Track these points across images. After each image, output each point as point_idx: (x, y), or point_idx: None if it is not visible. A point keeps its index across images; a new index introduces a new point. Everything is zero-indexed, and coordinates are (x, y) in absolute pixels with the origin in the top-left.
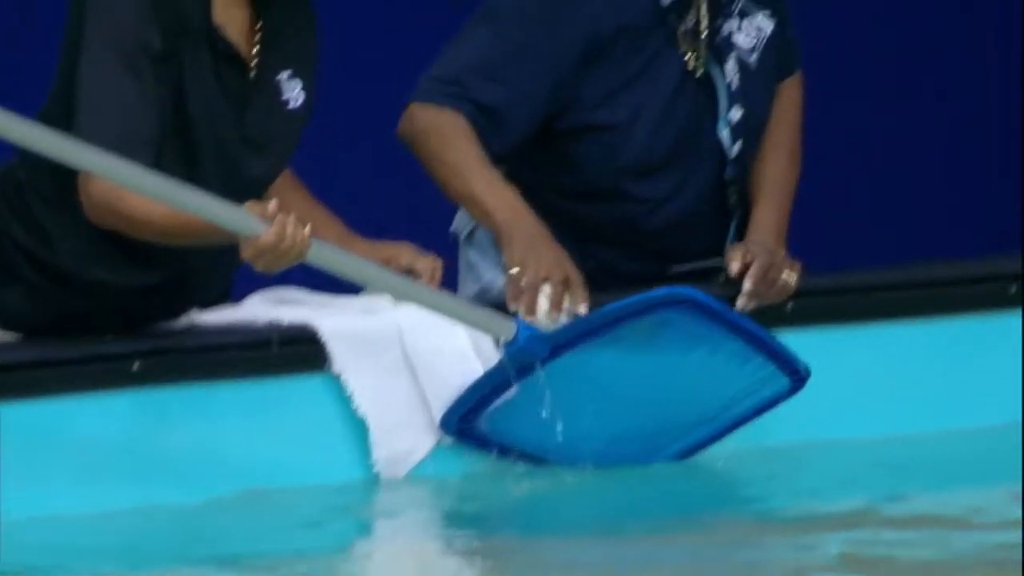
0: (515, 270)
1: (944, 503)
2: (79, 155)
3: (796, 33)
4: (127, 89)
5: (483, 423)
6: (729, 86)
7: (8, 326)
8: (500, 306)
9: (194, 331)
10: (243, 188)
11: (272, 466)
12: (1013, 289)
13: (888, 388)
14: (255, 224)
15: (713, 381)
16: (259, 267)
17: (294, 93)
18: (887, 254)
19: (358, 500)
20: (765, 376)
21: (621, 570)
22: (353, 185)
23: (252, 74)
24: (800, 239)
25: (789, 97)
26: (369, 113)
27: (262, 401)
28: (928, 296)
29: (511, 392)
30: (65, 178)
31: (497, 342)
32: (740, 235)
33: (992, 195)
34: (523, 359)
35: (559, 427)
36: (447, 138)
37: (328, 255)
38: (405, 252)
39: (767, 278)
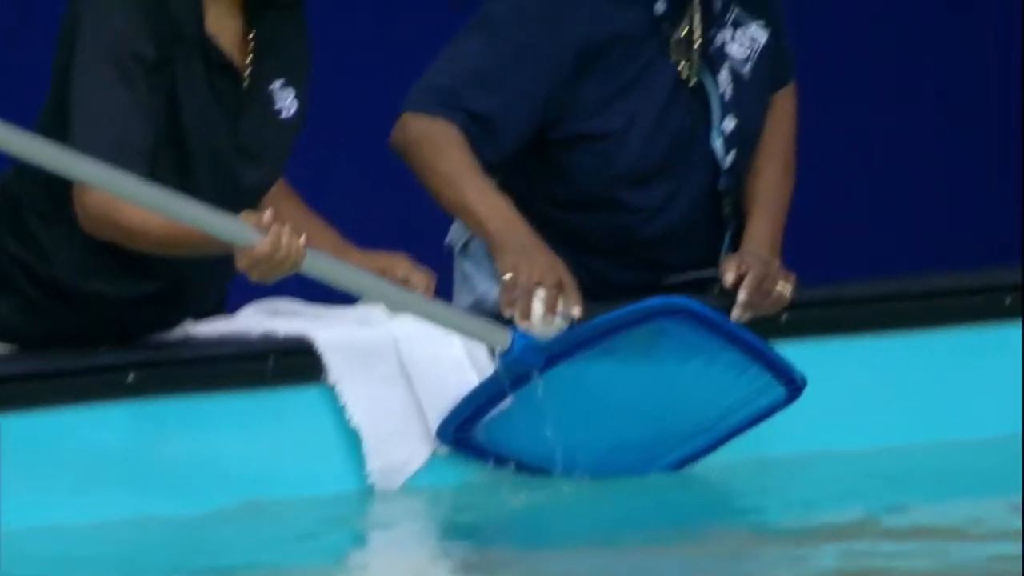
0: (508, 276)
1: (942, 514)
2: (74, 166)
3: (792, 42)
4: (121, 99)
5: (479, 433)
6: (722, 96)
7: (3, 338)
8: (495, 317)
9: (189, 342)
10: (237, 197)
11: (268, 477)
12: (1009, 300)
13: (883, 400)
14: (250, 234)
15: (709, 391)
16: (254, 277)
17: (287, 102)
18: (883, 266)
19: (354, 511)
20: (761, 386)
21: None
22: (346, 194)
23: (245, 83)
24: (795, 250)
25: (783, 108)
26: (362, 122)
27: (258, 412)
28: (924, 307)
29: (507, 402)
30: (59, 191)
31: (492, 352)
32: (735, 246)
33: (990, 206)
34: (519, 369)
35: (555, 437)
36: (440, 147)
37: (323, 265)
38: (400, 263)
39: (762, 289)
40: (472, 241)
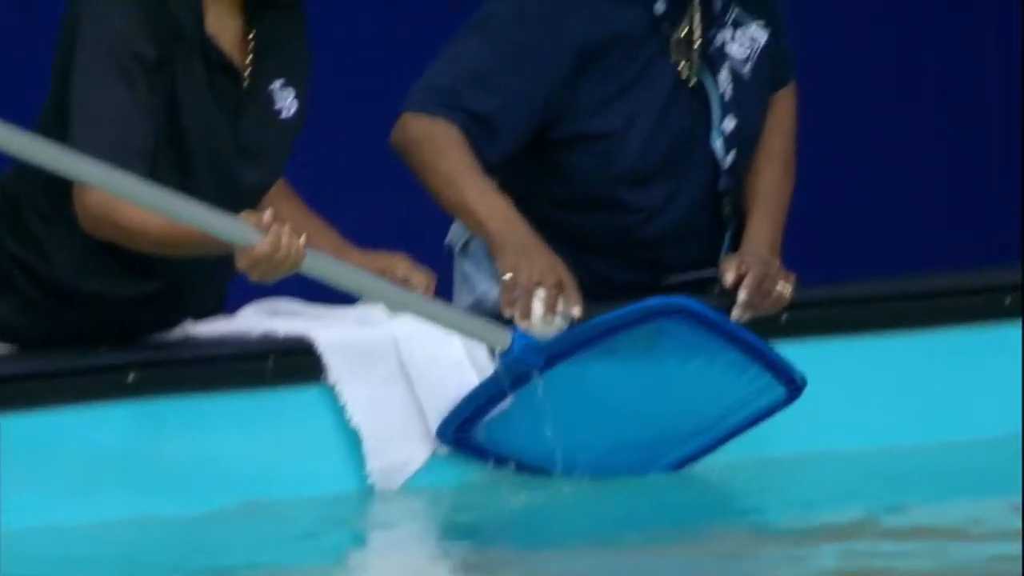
0: (508, 276)
1: (942, 514)
2: (74, 166)
3: (792, 42)
4: (121, 99)
5: (479, 433)
6: (722, 96)
7: (3, 338)
8: (495, 317)
9: (189, 342)
10: (237, 197)
11: (268, 477)
12: (1008, 300)
13: (883, 400)
14: (250, 234)
15: (709, 391)
16: (254, 277)
17: (287, 102)
18: (883, 266)
19: (354, 511)
20: (761, 386)
21: None
22: (346, 194)
23: (245, 83)
24: (795, 250)
25: (783, 108)
26: (362, 122)
27: (258, 412)
28: (924, 307)
29: (507, 402)
30: (59, 191)
31: (492, 352)
32: (735, 247)
33: (990, 206)
34: (519, 369)
35: (555, 437)
36: (440, 148)
37: (323, 265)
38: (400, 263)
39: (762, 289)
40: (472, 241)
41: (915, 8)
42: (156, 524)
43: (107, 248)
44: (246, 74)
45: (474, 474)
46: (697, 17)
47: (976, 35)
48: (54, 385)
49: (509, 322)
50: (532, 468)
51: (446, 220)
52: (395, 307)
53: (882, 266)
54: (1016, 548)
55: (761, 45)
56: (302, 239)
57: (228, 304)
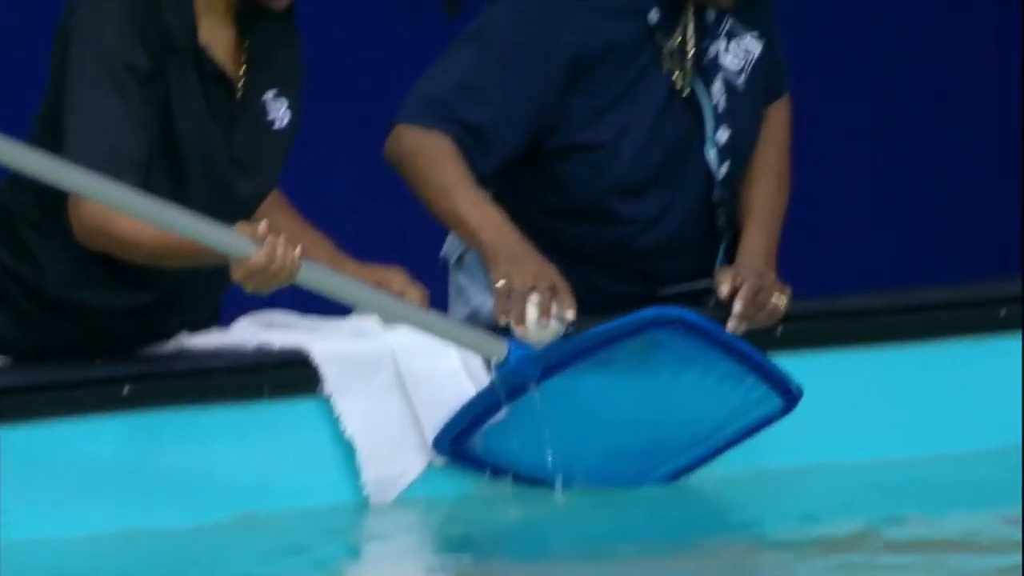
0: (501, 283)
1: (940, 527)
2: (68, 177)
3: (789, 50)
4: (115, 110)
5: (476, 444)
6: (716, 107)
7: None
8: (490, 330)
9: (184, 355)
10: (231, 208)
11: (263, 490)
12: (1004, 312)
13: (879, 412)
14: (245, 245)
15: (705, 401)
16: (249, 288)
17: (280, 113)
18: (880, 278)
19: (349, 523)
20: (758, 396)
21: None
22: (341, 206)
23: (239, 94)
24: (790, 263)
25: (777, 120)
26: (356, 133)
27: (253, 425)
28: (919, 320)
29: (503, 413)
30: (52, 202)
31: (488, 363)
32: (729, 259)
33: (990, 216)
34: (514, 380)
35: (551, 448)
36: (433, 159)
37: (318, 276)
38: (396, 277)
39: (757, 301)
40: (467, 254)
41: (914, 11)
42: (151, 537)
43: (101, 259)
44: (239, 85)
45: (469, 486)
46: (690, 27)
47: (975, 38)
48: (49, 398)
49: (505, 333)
50: (528, 479)
51: (441, 232)
52: (391, 318)
53: (879, 279)
54: (1015, 560)
55: (755, 57)
56: (297, 250)
57: (223, 316)
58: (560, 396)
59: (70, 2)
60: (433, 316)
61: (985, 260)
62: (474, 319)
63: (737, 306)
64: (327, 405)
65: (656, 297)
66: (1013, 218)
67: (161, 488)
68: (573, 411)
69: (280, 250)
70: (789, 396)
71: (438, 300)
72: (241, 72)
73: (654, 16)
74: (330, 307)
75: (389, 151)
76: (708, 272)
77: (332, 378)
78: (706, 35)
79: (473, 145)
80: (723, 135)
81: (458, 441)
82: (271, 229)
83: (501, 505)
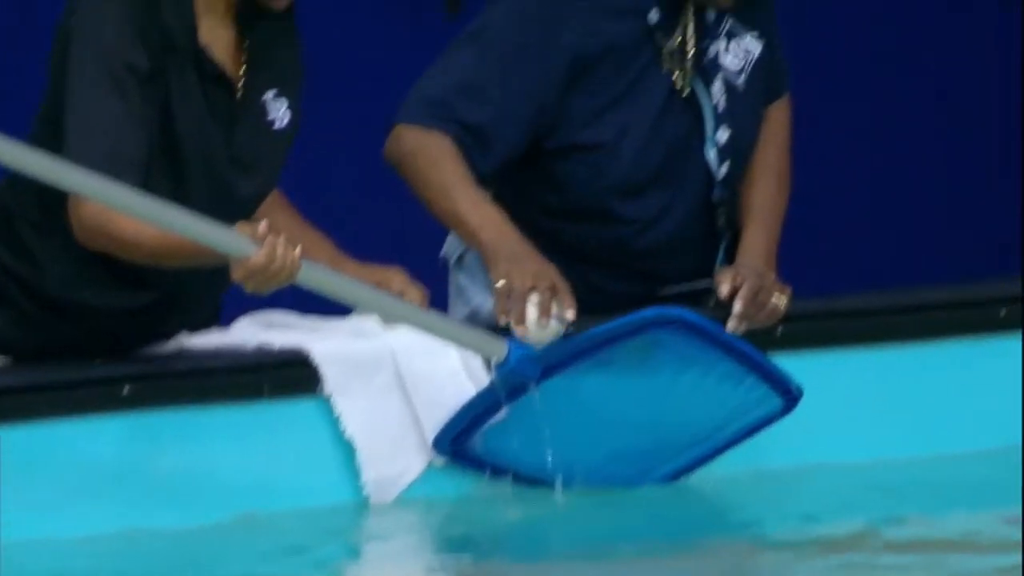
0: (501, 283)
1: (940, 527)
2: (69, 177)
3: (789, 51)
4: (115, 110)
5: (476, 444)
6: (716, 107)
7: None
8: (490, 330)
9: (184, 355)
10: (231, 208)
11: (263, 490)
12: (1003, 312)
13: (879, 412)
14: (245, 245)
15: (705, 401)
16: (249, 288)
17: (280, 113)
18: (880, 278)
19: (349, 523)
20: (758, 396)
21: None
22: (341, 206)
23: (239, 94)
24: (790, 263)
25: (777, 120)
26: (357, 133)
27: (253, 425)
28: (919, 320)
29: (503, 413)
30: (52, 203)
31: (488, 363)
32: (729, 259)
33: (990, 216)
34: (514, 380)
35: (551, 448)
36: (433, 159)
37: (319, 276)
38: (396, 277)
39: (757, 301)
40: (467, 254)
41: (913, 12)
42: (151, 537)
43: (101, 259)
44: (239, 85)
45: (469, 486)
46: (690, 27)
47: (975, 38)
48: (49, 398)
49: (505, 333)
50: (528, 479)
51: (441, 232)
52: (391, 318)
53: (879, 279)
54: (1015, 560)
55: (755, 57)
56: (298, 250)
57: (223, 316)
58: (560, 396)
59: (70, 2)
60: (433, 316)
61: (985, 260)
62: (474, 319)
63: (737, 306)
64: (327, 405)
65: (656, 297)
66: (1013, 218)
67: (161, 488)
68: (573, 411)
69: (280, 250)
70: (789, 396)
71: (438, 300)
72: (241, 72)
73: (654, 16)
74: (330, 307)
75: (389, 151)
76: (708, 272)
77: (332, 378)
78: (706, 35)
79: (473, 145)
80: (723, 135)
81: (458, 441)
82: (271, 229)
83: (501, 505)
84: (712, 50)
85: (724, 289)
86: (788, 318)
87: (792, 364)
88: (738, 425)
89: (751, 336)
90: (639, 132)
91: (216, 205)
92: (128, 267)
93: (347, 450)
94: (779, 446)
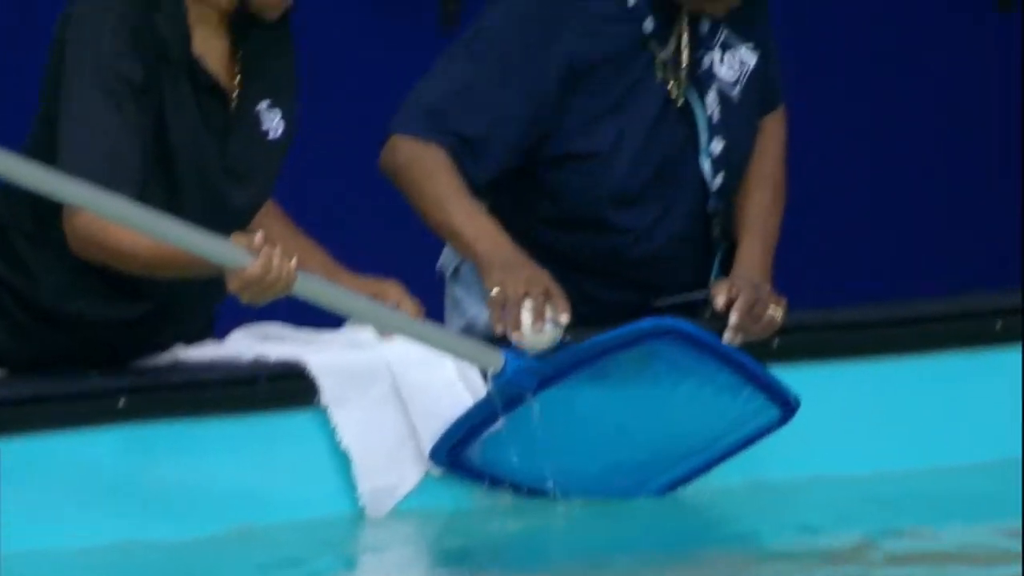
0: (495, 292)
1: (938, 539)
2: (63, 188)
3: (785, 55)
4: (110, 121)
5: (473, 455)
6: (710, 118)
7: None
8: (486, 341)
9: (180, 367)
10: (225, 218)
11: (259, 502)
12: (1000, 324)
13: (876, 424)
14: (241, 256)
15: (702, 412)
16: (245, 299)
17: (274, 123)
18: (876, 291)
19: (345, 535)
20: (755, 407)
21: None
22: (335, 216)
23: (233, 104)
24: (786, 275)
25: (772, 131)
26: (351, 143)
27: (249, 437)
28: (916, 332)
29: (500, 424)
30: (46, 214)
31: (485, 374)
32: (725, 270)
33: (988, 229)
34: (511, 391)
35: (548, 459)
36: (428, 171)
37: (314, 287)
38: (392, 289)
39: (753, 313)
40: (463, 266)
41: (912, 19)
42: (146, 549)
43: (96, 270)
44: (233, 95)
45: (466, 497)
46: (684, 37)
47: (975, 42)
48: (44, 410)
49: (502, 342)
50: (525, 490)
51: (437, 244)
52: (387, 329)
53: (876, 291)
54: (1015, 572)
55: (750, 68)
56: (293, 261)
57: (218, 329)
58: (557, 407)
59: (65, 13)
60: (429, 327)
61: (983, 272)
62: (470, 330)
63: (733, 318)
64: (323, 417)
65: (651, 308)
66: (1011, 230)
67: (157, 500)
68: (570, 422)
69: (276, 261)
70: (786, 407)
71: (434, 312)
72: (235, 82)
73: (649, 25)
74: (325, 319)
75: (384, 162)
76: (703, 283)
77: (328, 389)
78: (700, 45)
79: (467, 155)
80: (717, 146)
81: (455, 452)
82: (267, 240)
83: (498, 516)
84: (706, 60)
85: (720, 301)
86: (784, 330)
87: (789, 376)
88: (735, 436)
89: (747, 349)
90: (634, 141)
91: (210, 216)
92: (123, 278)
93: (343, 462)
94: (776, 458)
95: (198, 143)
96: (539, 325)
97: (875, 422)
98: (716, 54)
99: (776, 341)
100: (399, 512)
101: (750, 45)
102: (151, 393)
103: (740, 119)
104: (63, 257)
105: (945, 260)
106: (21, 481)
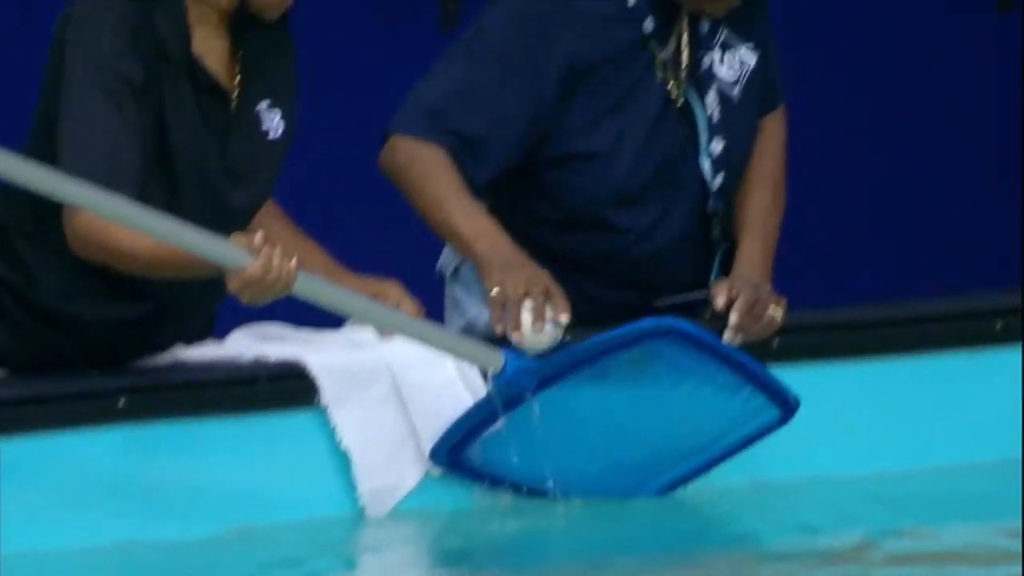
0: (495, 291)
1: (938, 539)
2: (64, 188)
3: (785, 54)
4: (110, 122)
5: (473, 455)
6: (710, 118)
7: None
8: (486, 341)
9: (180, 367)
10: (225, 218)
11: (259, 502)
12: (1000, 325)
13: (876, 425)
14: (241, 256)
15: (702, 412)
16: (245, 299)
17: (274, 123)
18: (876, 292)
19: (345, 536)
20: (755, 407)
21: None
22: (335, 216)
23: (233, 104)
24: (786, 275)
25: (773, 131)
26: (351, 143)
27: (248, 437)
28: (916, 332)
29: (500, 424)
30: (46, 214)
31: (485, 374)
32: (725, 270)
33: (988, 229)
34: (511, 391)
35: (548, 459)
36: (427, 171)
37: (315, 287)
38: (392, 289)
39: (753, 313)
40: (463, 266)
41: (907, 29)
42: (147, 549)
43: (96, 270)
44: (233, 95)
45: (465, 498)
46: (684, 37)
47: (974, 42)
48: (44, 410)
49: (502, 342)
50: (526, 490)
51: (437, 244)
52: (388, 329)
53: (876, 291)
54: (1015, 572)
55: (750, 68)
56: (293, 261)
57: (218, 328)
58: (557, 407)
59: (65, 13)
60: (429, 327)
61: (983, 272)
62: (470, 331)
63: (733, 318)
64: (323, 417)
65: (651, 308)
66: (1011, 230)
67: (157, 500)
68: (570, 422)
69: (276, 261)
70: (786, 407)
71: (434, 312)
72: (235, 82)
73: (649, 25)
74: (325, 319)
75: (384, 162)
76: (703, 283)
77: (328, 389)
78: (700, 45)
79: (467, 156)
80: (717, 146)
81: (455, 452)
82: (267, 240)
83: (498, 516)
84: (706, 60)
85: (720, 301)
86: (784, 330)
87: (789, 376)
88: (735, 436)
89: (747, 349)
90: (634, 141)
91: (210, 216)
92: (123, 278)
93: (343, 462)
94: (777, 458)
95: (198, 143)
96: (539, 325)
97: (875, 422)
98: (716, 54)
99: (776, 341)
100: (399, 512)
101: (750, 45)
102: (151, 393)
103: (740, 119)
104: (63, 257)
105: (945, 260)
106: (21, 481)
